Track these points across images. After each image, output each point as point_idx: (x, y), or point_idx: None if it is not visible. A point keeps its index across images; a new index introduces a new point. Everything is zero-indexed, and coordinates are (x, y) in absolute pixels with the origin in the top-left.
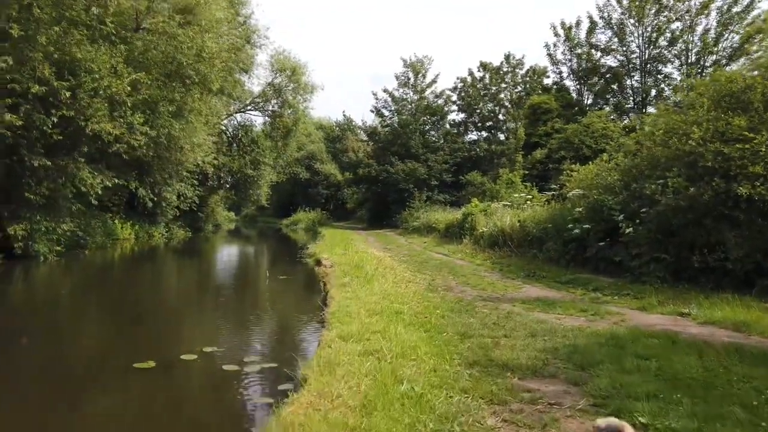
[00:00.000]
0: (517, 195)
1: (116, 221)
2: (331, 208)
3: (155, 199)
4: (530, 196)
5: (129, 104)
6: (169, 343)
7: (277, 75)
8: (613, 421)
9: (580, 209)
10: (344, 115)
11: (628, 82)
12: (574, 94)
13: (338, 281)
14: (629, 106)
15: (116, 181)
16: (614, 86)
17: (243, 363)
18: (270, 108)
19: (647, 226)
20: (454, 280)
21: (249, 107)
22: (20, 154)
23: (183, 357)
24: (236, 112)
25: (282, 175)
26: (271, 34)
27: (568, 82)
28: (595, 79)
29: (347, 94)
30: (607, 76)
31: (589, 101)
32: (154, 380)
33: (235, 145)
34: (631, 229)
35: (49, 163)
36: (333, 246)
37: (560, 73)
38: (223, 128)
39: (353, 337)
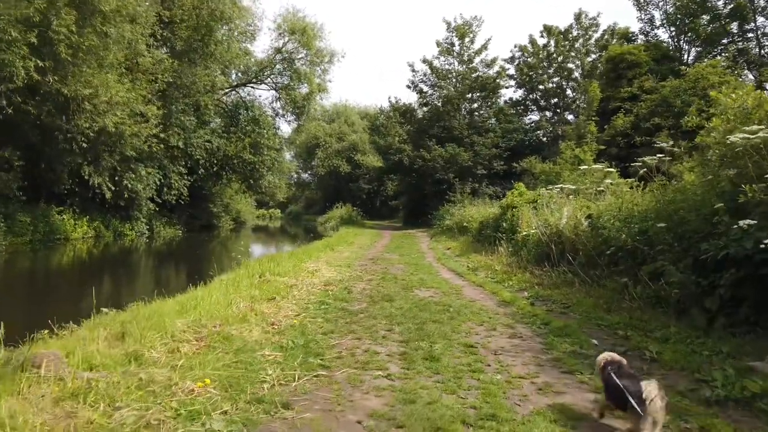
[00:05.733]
0: (586, 166)
1: (65, 216)
2: (377, 204)
3: (114, 188)
4: (611, 170)
5: None
6: None
7: (285, 38)
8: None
9: None
10: (390, 102)
11: (752, 24)
12: (669, 47)
13: None
14: (754, 54)
15: None
16: (733, 29)
17: None
18: (278, 81)
19: None
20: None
21: (252, 80)
22: None
23: None
24: (237, 86)
25: (321, 168)
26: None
27: (660, 33)
28: (703, 20)
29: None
30: (723, 14)
31: (692, 54)
32: None
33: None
34: None
35: None
36: (294, 257)
37: (650, 18)
38: (223, 105)
39: None
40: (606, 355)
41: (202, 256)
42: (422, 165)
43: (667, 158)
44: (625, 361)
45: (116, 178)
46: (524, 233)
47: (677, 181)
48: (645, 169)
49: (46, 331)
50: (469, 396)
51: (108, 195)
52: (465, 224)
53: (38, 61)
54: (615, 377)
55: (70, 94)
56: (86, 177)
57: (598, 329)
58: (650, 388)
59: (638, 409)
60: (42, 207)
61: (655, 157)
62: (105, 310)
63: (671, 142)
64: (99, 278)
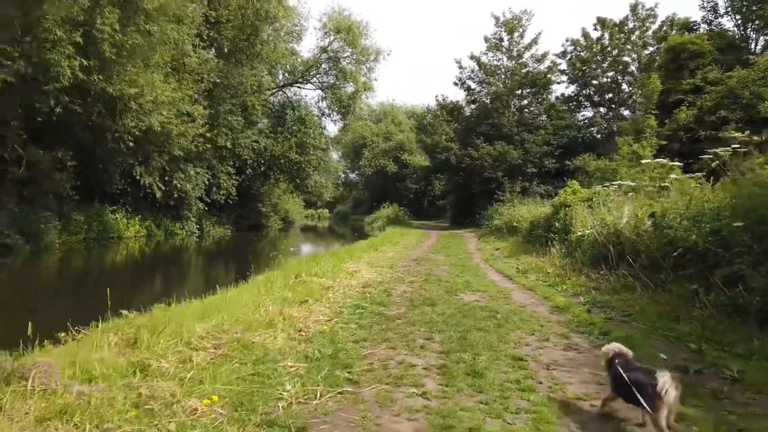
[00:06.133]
0: (647, 161)
1: (118, 215)
2: (424, 204)
3: (164, 188)
4: (675, 164)
5: None
6: None
7: (331, 37)
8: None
9: None
10: (437, 100)
11: None
12: (734, 36)
13: None
14: None
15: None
16: None
17: None
18: (324, 80)
19: None
20: None
21: (298, 80)
22: None
23: None
24: (283, 86)
25: (368, 168)
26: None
27: (724, 22)
28: None
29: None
30: None
31: (760, 43)
32: None
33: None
34: None
35: None
36: (334, 256)
37: (713, 6)
38: (270, 105)
39: None
40: (614, 346)
41: (249, 255)
42: (470, 164)
43: (743, 149)
44: (632, 354)
45: (166, 178)
46: (579, 233)
47: (752, 177)
48: (717, 162)
49: (63, 334)
50: (517, 421)
51: (159, 194)
52: (515, 224)
53: (83, 61)
54: (623, 372)
55: (116, 93)
56: (138, 177)
57: (665, 341)
58: (664, 380)
59: (647, 407)
60: (96, 206)
61: (728, 149)
62: (124, 312)
63: (747, 132)
64: (142, 277)
